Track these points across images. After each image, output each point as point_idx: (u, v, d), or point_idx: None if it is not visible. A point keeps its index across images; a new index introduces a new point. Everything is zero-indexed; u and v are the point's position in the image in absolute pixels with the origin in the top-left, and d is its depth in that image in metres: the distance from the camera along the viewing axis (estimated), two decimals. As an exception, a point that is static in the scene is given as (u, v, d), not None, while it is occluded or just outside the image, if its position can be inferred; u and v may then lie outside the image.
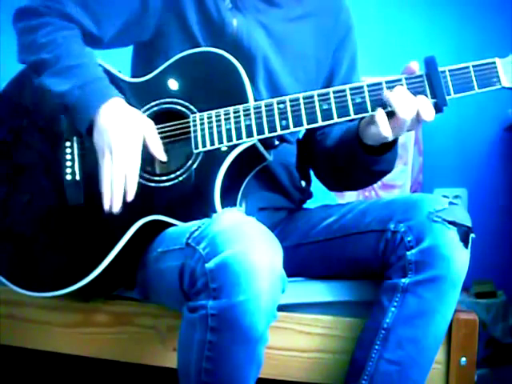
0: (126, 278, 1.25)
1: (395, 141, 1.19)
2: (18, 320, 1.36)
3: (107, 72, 1.25)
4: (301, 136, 1.45)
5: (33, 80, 1.23)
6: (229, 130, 1.16)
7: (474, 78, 1.10)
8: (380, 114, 1.10)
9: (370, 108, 1.12)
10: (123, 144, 1.12)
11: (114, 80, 1.24)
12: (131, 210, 1.17)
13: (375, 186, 2.12)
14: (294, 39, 1.32)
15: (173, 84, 1.23)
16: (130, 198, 1.12)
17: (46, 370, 1.64)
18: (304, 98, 1.14)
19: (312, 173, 1.46)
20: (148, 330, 1.28)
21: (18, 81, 1.32)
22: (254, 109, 1.15)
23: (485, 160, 2.29)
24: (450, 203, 1.14)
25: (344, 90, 1.13)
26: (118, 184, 1.11)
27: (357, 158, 1.22)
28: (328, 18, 1.36)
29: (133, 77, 1.32)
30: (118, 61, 1.35)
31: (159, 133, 1.20)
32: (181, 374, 1.04)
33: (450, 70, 1.11)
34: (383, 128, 1.09)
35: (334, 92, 1.14)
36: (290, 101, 1.15)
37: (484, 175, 2.29)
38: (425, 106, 1.09)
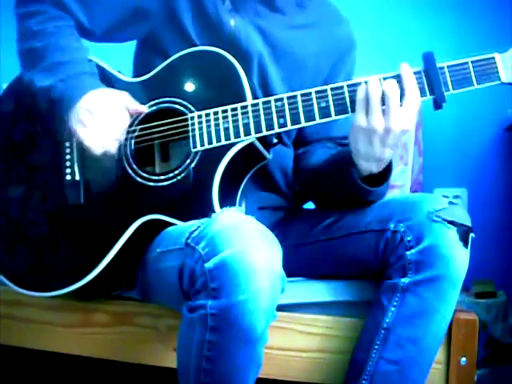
0: (126, 278, 1.25)
1: (388, 174, 1.17)
2: (17, 320, 1.36)
3: (106, 72, 1.25)
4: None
5: (23, 73, 1.25)
6: (227, 129, 1.15)
7: (472, 74, 1.09)
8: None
9: None
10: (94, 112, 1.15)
11: (112, 80, 1.24)
12: (130, 210, 1.17)
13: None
14: (294, 47, 1.31)
15: (171, 83, 1.23)
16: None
17: (46, 369, 1.63)
18: (301, 96, 1.14)
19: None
20: (148, 329, 1.28)
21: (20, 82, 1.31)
22: (252, 107, 1.15)
23: (485, 160, 2.29)
24: (450, 203, 1.13)
25: (342, 87, 1.13)
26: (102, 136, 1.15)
27: (347, 185, 1.18)
28: (332, 29, 1.35)
29: (134, 76, 1.32)
30: (119, 61, 1.35)
31: (158, 132, 1.20)
32: (180, 373, 1.04)
33: (448, 66, 1.10)
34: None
35: (331, 89, 1.13)
36: (288, 98, 1.14)
37: (484, 175, 2.28)
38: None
